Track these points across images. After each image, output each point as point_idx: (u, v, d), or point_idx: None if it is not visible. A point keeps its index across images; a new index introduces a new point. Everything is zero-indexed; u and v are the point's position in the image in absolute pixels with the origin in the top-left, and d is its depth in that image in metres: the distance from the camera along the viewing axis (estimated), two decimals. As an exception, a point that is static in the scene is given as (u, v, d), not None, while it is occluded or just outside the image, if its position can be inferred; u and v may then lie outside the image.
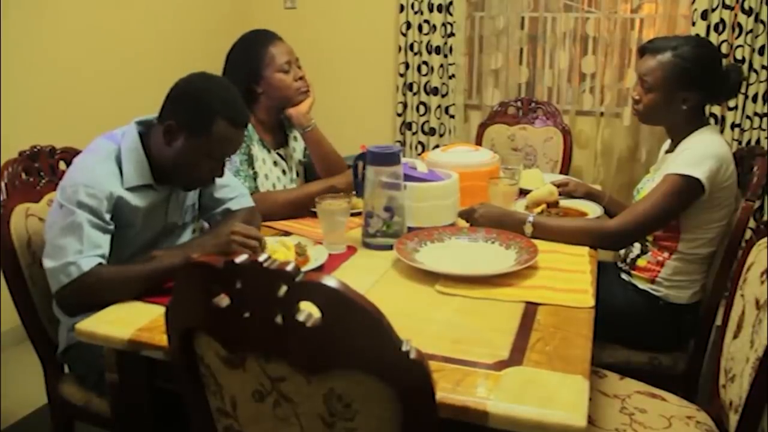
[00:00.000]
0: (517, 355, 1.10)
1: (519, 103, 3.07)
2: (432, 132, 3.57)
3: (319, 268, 1.47)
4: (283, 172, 2.06)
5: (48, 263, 1.35)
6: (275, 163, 2.03)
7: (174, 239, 1.60)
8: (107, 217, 1.40)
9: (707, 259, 1.78)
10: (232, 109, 1.45)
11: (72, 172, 1.42)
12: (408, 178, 1.70)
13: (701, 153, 1.67)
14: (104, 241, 1.38)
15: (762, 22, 2.88)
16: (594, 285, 1.42)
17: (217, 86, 1.47)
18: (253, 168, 1.92)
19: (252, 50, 1.96)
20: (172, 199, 1.57)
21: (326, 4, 3.74)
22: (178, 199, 1.58)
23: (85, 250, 1.33)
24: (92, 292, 1.31)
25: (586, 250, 1.63)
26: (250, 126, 1.94)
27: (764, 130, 2.95)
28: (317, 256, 1.52)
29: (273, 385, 0.85)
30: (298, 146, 2.15)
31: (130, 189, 1.45)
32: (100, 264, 1.34)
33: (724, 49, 2.93)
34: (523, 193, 2.04)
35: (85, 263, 1.32)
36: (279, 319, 0.77)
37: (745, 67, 2.91)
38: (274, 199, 1.89)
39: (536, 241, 1.59)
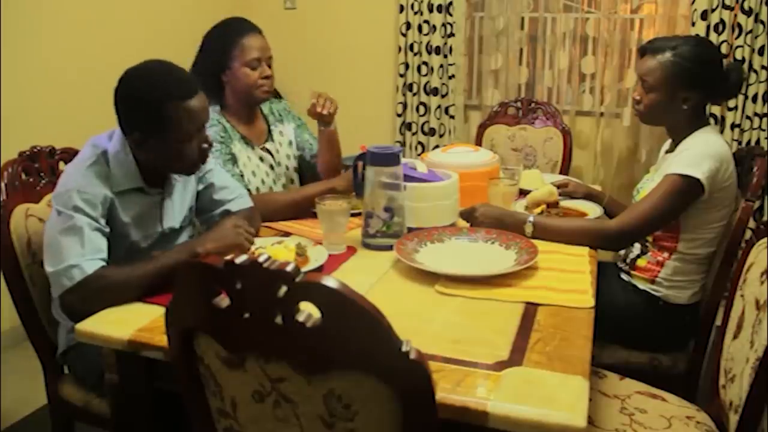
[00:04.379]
0: (517, 356, 1.10)
1: (519, 104, 3.07)
2: (432, 132, 3.57)
3: (319, 269, 1.47)
4: (271, 167, 2.05)
5: (49, 268, 1.34)
6: (261, 159, 2.02)
7: (171, 243, 1.59)
8: (103, 221, 1.40)
9: (707, 259, 1.78)
10: (175, 86, 1.41)
11: (64, 179, 1.42)
12: (408, 178, 1.70)
13: (701, 153, 1.66)
14: (104, 244, 1.38)
15: (762, 22, 2.88)
16: (594, 285, 1.42)
17: (148, 75, 1.43)
18: (237, 167, 1.92)
19: (225, 39, 1.95)
20: (166, 203, 1.56)
21: (326, 4, 3.74)
22: (172, 203, 1.57)
23: (87, 253, 1.33)
24: (98, 295, 1.29)
25: (586, 250, 1.63)
26: (227, 124, 1.94)
27: (764, 130, 2.96)
28: (317, 256, 1.52)
29: (273, 386, 0.85)
30: (284, 140, 2.12)
31: (121, 192, 1.44)
32: (103, 267, 1.33)
33: (724, 49, 2.93)
34: (523, 193, 2.04)
35: (88, 266, 1.31)
36: (279, 320, 0.77)
37: (745, 67, 2.91)
38: (275, 200, 1.89)
39: (536, 242, 1.59)
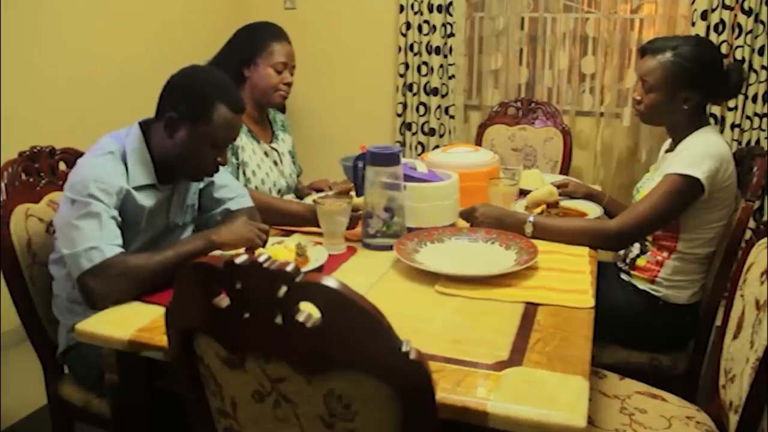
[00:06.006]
0: (517, 356, 1.10)
1: (519, 104, 3.07)
2: (432, 132, 3.57)
3: (319, 269, 1.47)
4: (275, 163, 2.08)
5: (67, 250, 1.33)
6: (266, 154, 2.05)
7: (175, 238, 1.60)
8: (116, 212, 1.40)
9: (707, 259, 1.78)
10: (229, 94, 1.47)
11: (79, 170, 1.42)
12: (408, 178, 1.70)
13: (701, 153, 1.67)
14: (119, 233, 1.38)
15: (762, 22, 2.88)
16: (594, 285, 1.42)
17: (212, 75, 1.50)
18: (237, 158, 1.93)
19: (257, 37, 2.00)
20: (174, 198, 1.57)
21: (326, 5, 3.74)
22: (179, 198, 1.59)
23: (105, 237, 1.33)
24: (117, 279, 1.29)
25: (586, 250, 1.63)
26: None
27: (764, 130, 2.95)
28: (317, 256, 1.52)
29: (273, 386, 0.85)
30: (285, 148, 2.17)
31: (136, 188, 1.45)
32: (122, 252, 1.34)
33: (724, 49, 2.93)
34: (523, 193, 2.04)
35: (108, 250, 1.32)
36: (279, 320, 0.77)
37: (745, 67, 2.91)
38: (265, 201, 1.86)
39: (536, 242, 1.59)
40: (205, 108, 1.43)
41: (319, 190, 2.17)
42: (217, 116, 1.44)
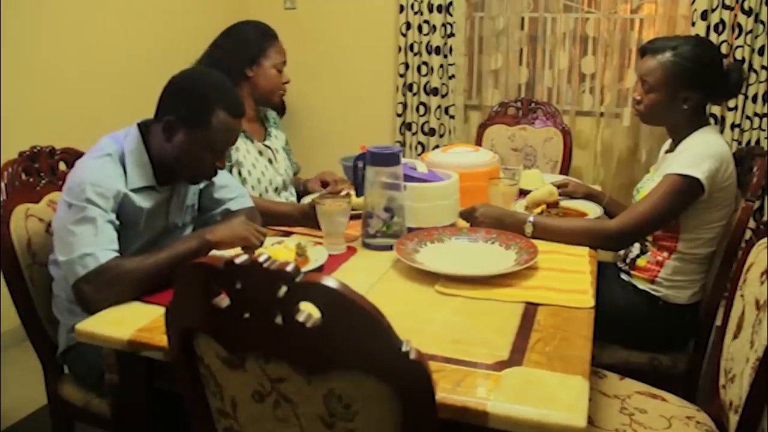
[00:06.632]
0: (517, 356, 1.10)
1: (519, 104, 3.07)
2: (432, 132, 3.57)
3: (319, 269, 1.47)
4: (270, 161, 2.08)
5: (62, 257, 1.34)
6: (260, 153, 2.05)
7: (174, 239, 1.60)
8: (113, 215, 1.40)
9: (707, 259, 1.78)
10: (229, 99, 1.46)
11: (77, 172, 1.42)
12: (408, 178, 1.70)
13: (701, 153, 1.67)
14: (116, 237, 1.38)
15: (762, 22, 2.88)
16: (594, 285, 1.42)
17: (212, 79, 1.49)
18: (229, 160, 1.93)
19: (259, 37, 1.99)
20: (173, 199, 1.57)
21: (326, 5, 3.74)
22: (179, 199, 1.59)
23: (100, 243, 1.33)
24: (112, 284, 1.30)
25: (586, 250, 1.63)
26: None
27: (764, 130, 2.96)
28: (317, 256, 1.52)
29: (273, 386, 0.85)
30: (279, 145, 2.16)
31: (134, 190, 1.45)
32: (116, 257, 1.34)
33: (724, 49, 2.93)
34: (523, 193, 2.04)
35: (102, 255, 1.32)
36: (279, 320, 0.77)
37: (745, 67, 2.91)
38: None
39: (536, 242, 1.59)
40: (204, 112, 1.43)
41: (325, 183, 2.17)
42: (216, 121, 1.43)
